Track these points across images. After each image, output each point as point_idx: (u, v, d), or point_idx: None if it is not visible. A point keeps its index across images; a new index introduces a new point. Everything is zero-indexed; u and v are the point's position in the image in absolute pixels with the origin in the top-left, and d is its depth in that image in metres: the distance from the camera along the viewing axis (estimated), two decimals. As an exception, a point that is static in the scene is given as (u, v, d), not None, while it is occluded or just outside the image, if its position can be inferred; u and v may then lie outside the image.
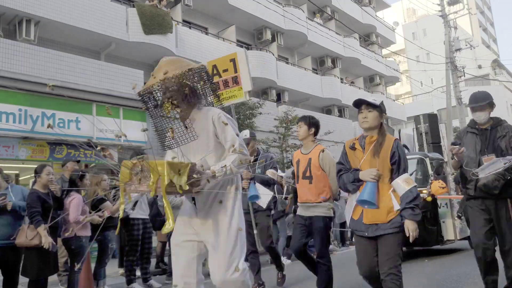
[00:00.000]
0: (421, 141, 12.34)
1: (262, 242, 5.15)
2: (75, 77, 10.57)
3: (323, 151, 4.22)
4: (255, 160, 5.02)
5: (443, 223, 7.37)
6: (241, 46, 17.48)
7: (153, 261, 6.88)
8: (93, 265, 5.62)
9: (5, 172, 4.99)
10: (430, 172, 7.30)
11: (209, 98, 2.77)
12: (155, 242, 7.23)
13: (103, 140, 10.04)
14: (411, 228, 2.83)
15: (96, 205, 5.36)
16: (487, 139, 3.70)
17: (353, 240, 3.71)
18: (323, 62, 22.32)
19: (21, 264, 4.52)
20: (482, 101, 3.73)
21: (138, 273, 6.17)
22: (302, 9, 20.55)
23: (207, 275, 2.67)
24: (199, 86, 2.66)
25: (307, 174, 4.19)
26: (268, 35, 18.58)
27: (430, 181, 6.96)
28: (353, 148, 3.10)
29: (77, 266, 4.84)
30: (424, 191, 6.89)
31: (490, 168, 3.38)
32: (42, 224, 4.33)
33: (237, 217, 2.64)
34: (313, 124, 4.33)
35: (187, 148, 2.62)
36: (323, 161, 4.16)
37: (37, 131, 9.36)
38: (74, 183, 5.16)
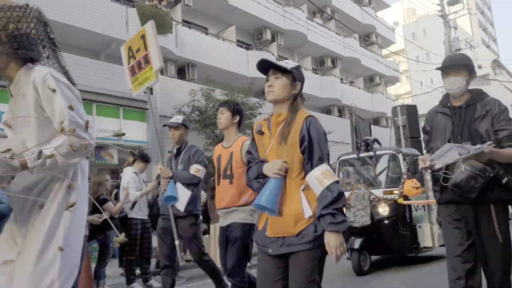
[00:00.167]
0: (398, 135, 10.77)
1: (192, 256, 4.40)
2: (75, 77, 10.33)
3: (247, 141, 3.38)
4: (178, 154, 4.23)
5: (419, 228, 6.60)
6: (241, 46, 17.52)
7: (153, 261, 6.88)
8: (93, 265, 5.63)
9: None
10: (404, 170, 6.46)
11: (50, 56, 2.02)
12: (155, 242, 7.22)
13: (103, 140, 10.05)
14: (332, 244, 1.97)
15: (99, 205, 5.37)
16: (461, 121, 2.66)
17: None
18: (323, 62, 22.33)
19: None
20: (459, 62, 2.72)
21: (138, 273, 6.18)
22: (302, 9, 20.57)
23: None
24: (31, 32, 1.88)
25: (228, 172, 3.40)
26: (268, 35, 18.59)
27: (402, 180, 6.25)
28: (260, 132, 2.26)
29: (77, 266, 4.83)
30: (395, 192, 6.26)
31: (446, 157, 2.52)
32: None
33: (61, 230, 1.82)
34: (237, 112, 3.61)
35: (14, 124, 1.93)
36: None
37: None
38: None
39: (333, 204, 1.98)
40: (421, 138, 9.61)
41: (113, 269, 7.09)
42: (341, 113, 22.46)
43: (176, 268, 6.42)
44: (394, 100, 29.48)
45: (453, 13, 21.28)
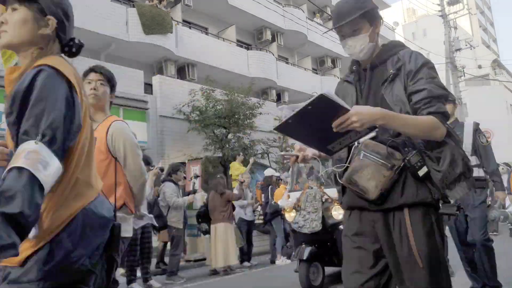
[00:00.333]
0: None
1: None
2: (75, 77, 10.56)
3: (116, 123, 2.51)
4: None
5: None
6: (241, 46, 17.53)
7: (153, 261, 6.89)
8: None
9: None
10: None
11: None
12: (155, 242, 7.24)
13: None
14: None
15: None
16: (366, 88, 1.86)
17: None
18: (323, 62, 22.33)
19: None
20: (351, 13, 1.75)
21: (138, 273, 6.17)
22: (302, 9, 20.58)
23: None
24: None
25: None
26: (268, 35, 18.60)
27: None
28: None
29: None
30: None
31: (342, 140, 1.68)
32: None
33: None
34: (114, 82, 2.75)
35: None
36: (113, 139, 2.43)
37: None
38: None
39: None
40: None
41: (113, 269, 7.08)
42: (341, 113, 22.49)
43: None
44: (394, 100, 29.48)
45: (453, 13, 21.27)
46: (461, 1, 21.92)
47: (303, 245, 5.06)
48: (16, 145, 1.21)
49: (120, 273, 6.80)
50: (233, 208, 7.61)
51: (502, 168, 10.22)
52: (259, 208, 9.38)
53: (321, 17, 22.38)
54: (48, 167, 1.16)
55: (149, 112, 12.48)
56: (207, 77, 13.50)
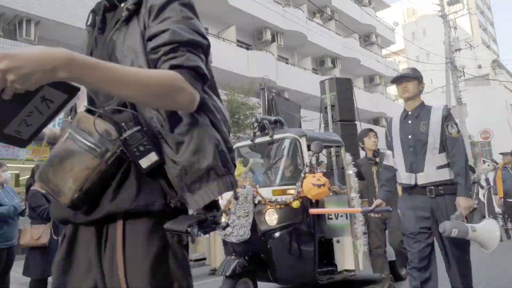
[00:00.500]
0: (326, 118, 7.67)
1: None
2: (75, 77, 10.58)
3: None
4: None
5: (337, 244, 4.60)
6: (241, 46, 17.54)
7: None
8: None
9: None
10: (307, 160, 4.30)
11: None
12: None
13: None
14: None
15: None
16: (98, 33, 1.31)
17: None
18: (323, 62, 22.34)
19: (23, 264, 4.54)
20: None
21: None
22: (302, 9, 20.59)
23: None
24: None
25: None
26: (268, 35, 18.61)
27: (302, 175, 4.19)
28: None
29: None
30: (290, 191, 4.18)
31: None
32: None
33: None
34: None
35: None
36: None
37: (37, 131, 9.36)
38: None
39: None
40: (355, 121, 7.41)
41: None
42: (341, 113, 22.50)
43: None
44: (394, 100, 29.48)
45: (453, 13, 21.31)
46: (461, 1, 21.96)
47: (232, 257, 4.04)
48: None
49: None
50: (233, 208, 7.59)
51: (489, 165, 9.75)
52: None
53: (321, 17, 22.39)
54: None
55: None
56: (207, 77, 13.50)
